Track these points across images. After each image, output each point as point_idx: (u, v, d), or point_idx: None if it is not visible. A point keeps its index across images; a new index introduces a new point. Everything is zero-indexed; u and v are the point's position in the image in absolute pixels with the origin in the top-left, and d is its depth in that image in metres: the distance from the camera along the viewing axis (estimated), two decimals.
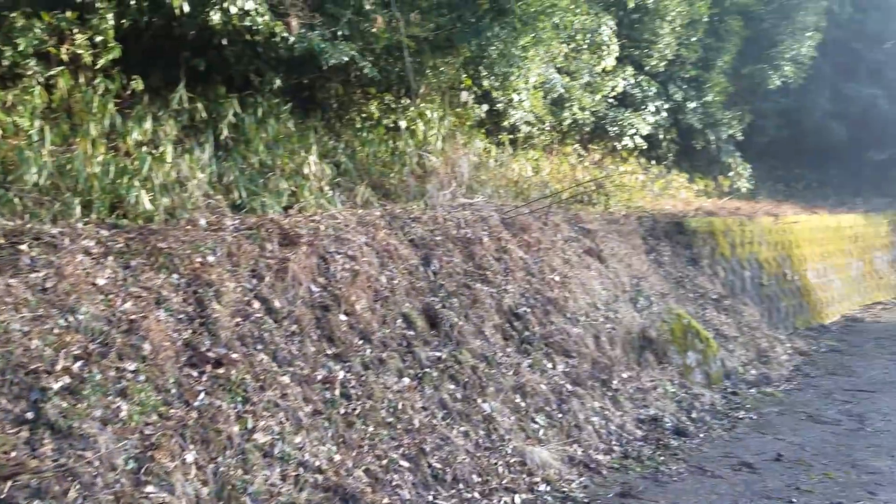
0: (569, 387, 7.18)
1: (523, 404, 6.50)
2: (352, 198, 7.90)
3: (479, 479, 5.34)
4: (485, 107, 10.40)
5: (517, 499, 5.33)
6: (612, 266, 9.73)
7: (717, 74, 15.54)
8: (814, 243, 16.34)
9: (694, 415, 8.19)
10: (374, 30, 7.53)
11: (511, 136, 11.90)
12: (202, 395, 4.57)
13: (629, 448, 6.82)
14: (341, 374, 5.32)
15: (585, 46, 12.31)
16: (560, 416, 6.72)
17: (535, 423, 6.44)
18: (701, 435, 7.53)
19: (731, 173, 17.38)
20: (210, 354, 4.83)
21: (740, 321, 11.96)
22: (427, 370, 5.95)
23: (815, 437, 7.59)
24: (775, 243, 14.88)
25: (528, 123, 11.92)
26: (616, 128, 13.97)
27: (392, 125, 9.61)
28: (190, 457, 4.22)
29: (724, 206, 14.86)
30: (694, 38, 14.74)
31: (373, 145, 9.01)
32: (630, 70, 13.86)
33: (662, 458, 6.69)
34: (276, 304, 5.41)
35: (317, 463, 4.51)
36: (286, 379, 4.90)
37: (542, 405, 6.67)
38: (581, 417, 6.88)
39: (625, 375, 8.21)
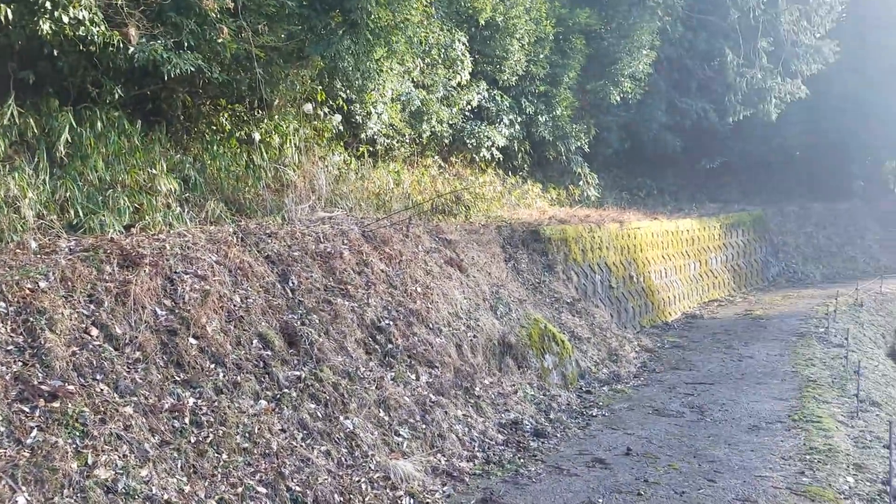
0: (432, 397, 7.25)
1: (387, 418, 6.49)
2: (202, 214, 7.59)
3: (342, 499, 5.26)
4: (338, 118, 10.32)
5: None
6: (472, 275, 9.96)
7: (564, 90, 16.38)
8: (656, 247, 17.54)
9: (552, 416, 8.52)
10: (220, 39, 7.28)
11: (371, 149, 11.91)
12: (35, 432, 4.20)
13: (491, 453, 6.98)
14: (191, 401, 5.07)
15: (440, 61, 12.58)
16: (424, 427, 6.76)
17: (399, 436, 6.44)
18: (558, 435, 7.84)
19: (580, 182, 18.37)
20: (43, 387, 4.46)
21: (593, 322, 12.62)
22: (286, 391, 5.81)
23: (661, 430, 8.11)
24: (622, 248, 15.84)
25: (386, 136, 12.00)
26: (473, 140, 14.39)
27: (245, 138, 9.34)
28: (22, 500, 3.87)
29: (576, 214, 15.64)
30: (542, 55, 15.46)
31: (224, 159, 8.70)
32: (484, 85, 14.32)
33: (522, 460, 6.90)
34: (117, 330, 5.08)
35: (165, 496, 4.26)
36: (129, 409, 4.60)
37: (405, 417, 6.69)
38: (445, 427, 6.97)
39: (487, 382, 8.41)
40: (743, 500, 5.92)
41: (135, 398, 4.71)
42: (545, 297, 12.17)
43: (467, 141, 14.38)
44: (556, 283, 12.84)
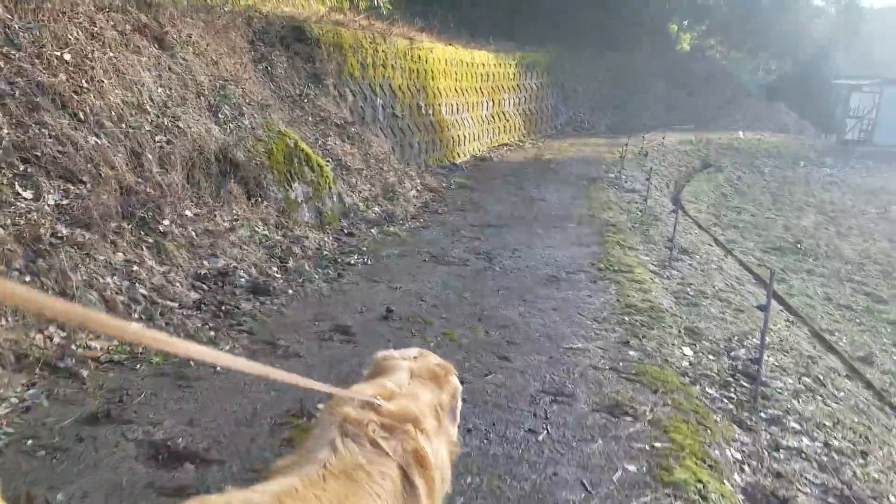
0: (61, 230, 4.24)
1: None
2: None
3: None
4: None
5: None
6: (182, 58, 6.69)
7: None
8: (449, 77, 15.08)
9: (290, 264, 5.91)
10: None
11: None
12: None
13: (168, 319, 4.23)
14: None
15: None
16: (28, 277, 3.79)
17: None
18: (290, 291, 5.27)
19: None
20: None
21: (368, 153, 10.00)
22: None
23: (438, 282, 5.85)
24: (411, 71, 13.14)
25: None
26: None
27: None
28: None
29: (356, 20, 12.52)
30: None
31: None
32: None
33: (214, 333, 4.24)
34: None
35: None
36: None
37: None
38: (73, 282, 4.04)
39: (188, 213, 5.52)
40: (554, 395, 3.78)
41: None
42: (307, 113, 9.26)
43: None
44: (325, 99, 9.93)
